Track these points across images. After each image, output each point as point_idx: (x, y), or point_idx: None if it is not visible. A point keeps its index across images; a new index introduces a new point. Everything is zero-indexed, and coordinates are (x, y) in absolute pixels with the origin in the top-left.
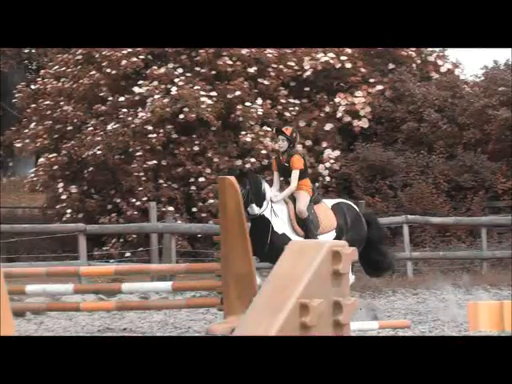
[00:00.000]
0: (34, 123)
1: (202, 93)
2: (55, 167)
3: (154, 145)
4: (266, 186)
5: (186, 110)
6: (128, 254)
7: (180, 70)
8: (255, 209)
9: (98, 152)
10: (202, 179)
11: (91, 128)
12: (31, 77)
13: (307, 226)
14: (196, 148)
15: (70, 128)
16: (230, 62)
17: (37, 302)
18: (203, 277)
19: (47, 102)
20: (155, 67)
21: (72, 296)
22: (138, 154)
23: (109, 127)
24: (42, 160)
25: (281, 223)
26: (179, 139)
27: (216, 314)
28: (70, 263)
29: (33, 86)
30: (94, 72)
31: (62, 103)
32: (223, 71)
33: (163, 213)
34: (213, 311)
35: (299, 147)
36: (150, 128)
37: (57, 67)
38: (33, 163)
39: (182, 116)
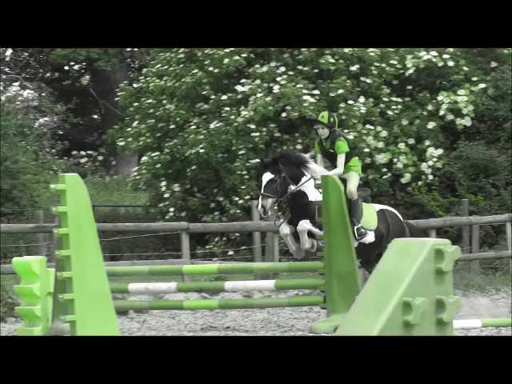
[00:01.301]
0: (137, 122)
1: (305, 91)
2: (158, 166)
3: (257, 143)
4: (305, 160)
5: (288, 108)
6: (231, 253)
7: (282, 69)
8: (292, 188)
9: (201, 150)
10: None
11: (194, 126)
12: (134, 75)
13: (352, 208)
14: (299, 146)
15: (172, 126)
16: (333, 61)
17: (140, 301)
18: (306, 275)
19: (150, 101)
20: (258, 66)
21: (175, 294)
22: (240, 152)
23: (211, 126)
24: (144, 158)
25: (318, 194)
26: (282, 138)
27: (319, 312)
28: (173, 262)
29: (135, 85)
30: (196, 70)
31: (164, 101)
32: (326, 69)
33: None
34: (316, 309)
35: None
36: (252, 126)
37: (159, 66)
38: (136, 162)
39: (284, 114)
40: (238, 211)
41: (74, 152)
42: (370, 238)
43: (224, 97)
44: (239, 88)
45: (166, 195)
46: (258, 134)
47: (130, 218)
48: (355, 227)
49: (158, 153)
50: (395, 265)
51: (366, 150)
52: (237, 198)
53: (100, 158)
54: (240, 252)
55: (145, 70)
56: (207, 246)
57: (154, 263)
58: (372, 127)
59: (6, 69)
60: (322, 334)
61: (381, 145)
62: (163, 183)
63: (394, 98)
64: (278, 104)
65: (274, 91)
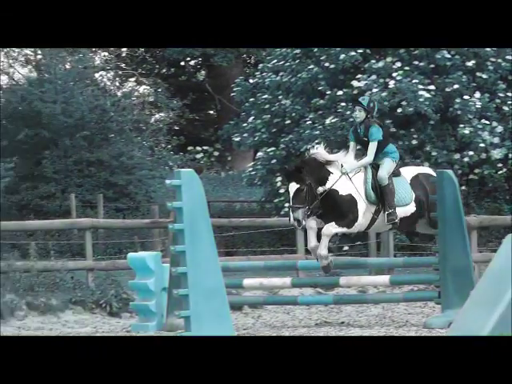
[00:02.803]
0: (253, 117)
1: (420, 86)
2: (273, 161)
3: None
4: (325, 157)
5: (404, 103)
6: (346, 248)
7: (398, 64)
8: (320, 190)
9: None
10: None
11: (309, 122)
12: (249, 71)
13: (385, 194)
14: (414, 142)
15: (288, 122)
16: (449, 56)
17: (254, 296)
18: (421, 271)
19: (265, 96)
20: (373, 61)
21: (289, 290)
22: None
23: (327, 121)
24: (260, 154)
25: (349, 188)
26: (397, 133)
27: (434, 307)
28: (288, 257)
29: (251, 80)
30: (312, 66)
31: (280, 97)
32: (442, 65)
33: None
34: (431, 305)
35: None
36: None
37: (275, 61)
38: (251, 157)
39: (400, 110)
40: None
41: (190, 147)
42: (408, 208)
43: (340, 92)
44: (355, 83)
45: (282, 191)
46: None
47: (244, 214)
48: (386, 213)
49: (273, 148)
50: (508, 260)
51: (482, 145)
52: None
53: (215, 153)
54: (355, 247)
55: (261, 66)
56: None
57: (268, 258)
58: (487, 122)
59: (122, 64)
60: (436, 329)
61: (496, 140)
62: (278, 178)
63: (509, 94)
64: (393, 99)
65: (389, 86)
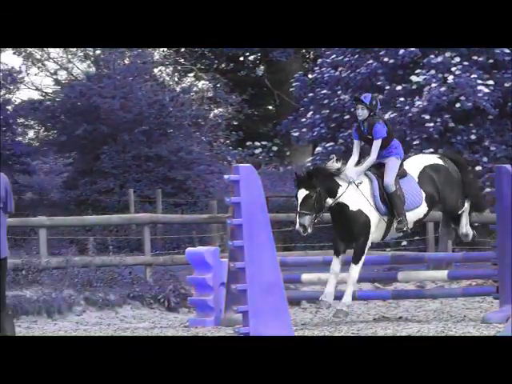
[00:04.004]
0: (311, 112)
1: (479, 81)
2: (332, 156)
3: (431, 133)
4: (339, 168)
5: (462, 98)
6: (404, 243)
7: (457, 59)
8: (329, 201)
9: None
10: (478, 168)
11: None
12: (308, 66)
13: (393, 201)
14: (473, 137)
15: (347, 117)
16: (508, 51)
17: (312, 291)
18: (479, 265)
19: (324, 91)
20: (432, 56)
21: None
22: (414, 142)
23: (386, 116)
24: (319, 149)
25: (359, 201)
26: (456, 128)
27: (492, 302)
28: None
29: (310, 75)
30: (371, 61)
31: (339, 92)
32: (500, 60)
33: None
34: (489, 300)
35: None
36: (426, 117)
37: (334, 56)
38: (310, 152)
39: (458, 105)
40: None
41: (249, 142)
42: (420, 209)
43: (399, 87)
44: (414, 78)
45: None
46: (432, 124)
47: None
48: (395, 221)
49: (332, 143)
50: None
51: None
52: None
53: (274, 148)
54: (413, 242)
55: (320, 61)
56: None
57: (327, 253)
58: None
59: (181, 60)
60: (494, 324)
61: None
62: None
63: None
64: (452, 94)
65: (448, 81)
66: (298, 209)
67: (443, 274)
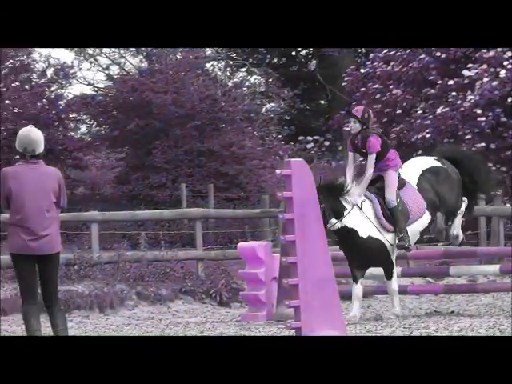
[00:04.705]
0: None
1: None
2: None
3: (483, 128)
4: (343, 189)
5: None
6: None
7: (509, 53)
8: (333, 222)
9: (427, 135)
10: None
11: (420, 111)
12: (361, 60)
13: (395, 217)
14: None
15: (399, 111)
16: None
17: (365, 286)
18: None
19: (376, 86)
20: (484, 50)
21: (399, 279)
22: (466, 137)
23: (438, 111)
24: None
25: (366, 226)
26: (508, 122)
27: None
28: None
29: (362, 70)
30: (423, 56)
31: (391, 87)
32: None
33: None
34: None
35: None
36: (478, 111)
37: (386, 51)
38: None
39: (510, 99)
40: None
41: (301, 137)
42: (424, 219)
43: (451, 82)
44: (466, 73)
45: None
46: (483, 118)
47: None
48: (397, 238)
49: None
50: None
51: None
52: None
53: (326, 143)
54: (465, 236)
55: (372, 55)
56: None
57: None
58: None
59: (233, 54)
60: None
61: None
62: None
63: None
64: (504, 88)
65: (500, 76)
66: None
67: (495, 268)
